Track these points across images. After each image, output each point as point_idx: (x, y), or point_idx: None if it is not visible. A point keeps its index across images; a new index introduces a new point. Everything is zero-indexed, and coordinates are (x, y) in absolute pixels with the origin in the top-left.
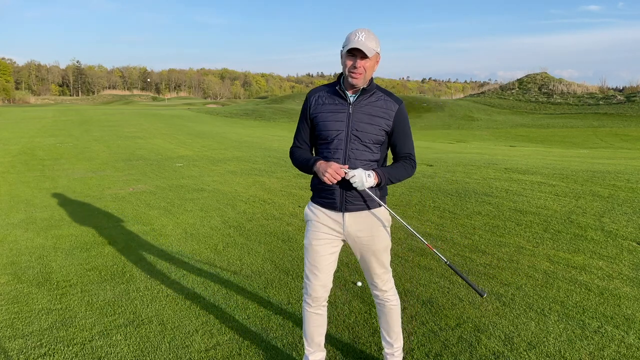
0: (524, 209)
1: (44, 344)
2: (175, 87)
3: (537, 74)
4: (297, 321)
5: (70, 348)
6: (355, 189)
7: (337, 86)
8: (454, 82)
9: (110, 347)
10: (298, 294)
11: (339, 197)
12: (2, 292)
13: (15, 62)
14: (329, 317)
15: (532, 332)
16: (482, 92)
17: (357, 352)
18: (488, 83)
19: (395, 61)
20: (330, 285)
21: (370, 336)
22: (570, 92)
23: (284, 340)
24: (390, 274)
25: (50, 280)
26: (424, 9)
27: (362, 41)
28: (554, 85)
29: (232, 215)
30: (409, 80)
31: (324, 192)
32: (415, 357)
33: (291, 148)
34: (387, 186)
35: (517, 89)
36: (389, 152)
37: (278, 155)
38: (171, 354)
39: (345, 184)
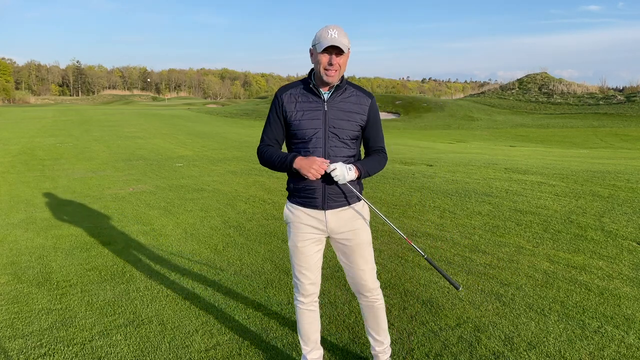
0: (524, 209)
1: (44, 344)
2: (175, 87)
3: (537, 74)
4: None
5: (70, 348)
6: (336, 183)
7: (309, 84)
8: (454, 82)
9: (110, 347)
10: None
11: (320, 196)
12: (2, 292)
13: (15, 62)
14: (329, 317)
15: (532, 332)
16: (482, 92)
17: (357, 352)
18: (488, 83)
19: (395, 61)
20: (320, 280)
21: None
22: (570, 92)
23: (284, 340)
24: (375, 271)
25: (50, 280)
26: (424, 9)
27: (337, 38)
28: (554, 85)
29: (232, 215)
30: (409, 80)
31: (305, 192)
32: (415, 357)
33: (259, 146)
34: (363, 181)
35: (517, 89)
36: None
37: None
38: (171, 354)
39: (326, 180)
